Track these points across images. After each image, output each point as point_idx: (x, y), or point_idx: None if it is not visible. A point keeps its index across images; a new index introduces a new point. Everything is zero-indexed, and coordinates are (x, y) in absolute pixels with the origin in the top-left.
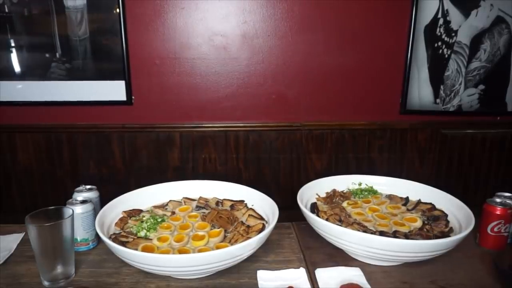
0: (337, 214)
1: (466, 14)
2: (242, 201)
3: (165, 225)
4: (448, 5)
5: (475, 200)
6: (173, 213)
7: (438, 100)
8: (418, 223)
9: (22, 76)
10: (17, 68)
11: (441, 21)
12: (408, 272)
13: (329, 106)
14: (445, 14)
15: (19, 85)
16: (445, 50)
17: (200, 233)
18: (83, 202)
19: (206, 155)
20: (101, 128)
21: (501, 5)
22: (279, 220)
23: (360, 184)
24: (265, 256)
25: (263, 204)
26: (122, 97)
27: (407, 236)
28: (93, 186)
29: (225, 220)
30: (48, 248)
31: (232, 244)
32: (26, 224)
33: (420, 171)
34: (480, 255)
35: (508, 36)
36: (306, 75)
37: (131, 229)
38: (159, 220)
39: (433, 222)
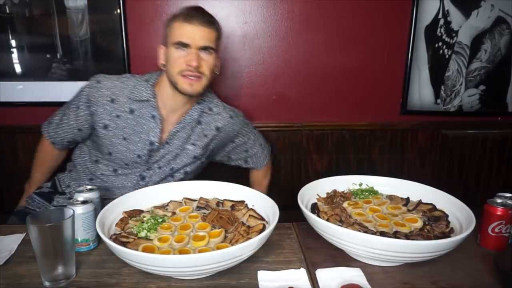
0: (338, 215)
1: (467, 14)
2: (243, 201)
3: (166, 225)
4: (448, 6)
5: (476, 200)
6: (174, 213)
7: (438, 101)
8: (419, 224)
9: (23, 77)
10: (18, 68)
11: (441, 22)
12: (409, 272)
13: (330, 107)
14: (445, 14)
15: (20, 85)
16: (445, 50)
17: (201, 233)
18: (84, 202)
19: None
20: None
21: (501, 5)
22: (279, 221)
23: (360, 185)
24: (265, 257)
25: (263, 205)
26: None
27: (407, 236)
28: (94, 187)
29: (226, 220)
30: (49, 248)
31: (232, 245)
32: (27, 225)
33: (420, 171)
34: (481, 256)
35: (509, 36)
36: (307, 76)
37: (132, 229)
38: (160, 220)
39: (434, 223)
